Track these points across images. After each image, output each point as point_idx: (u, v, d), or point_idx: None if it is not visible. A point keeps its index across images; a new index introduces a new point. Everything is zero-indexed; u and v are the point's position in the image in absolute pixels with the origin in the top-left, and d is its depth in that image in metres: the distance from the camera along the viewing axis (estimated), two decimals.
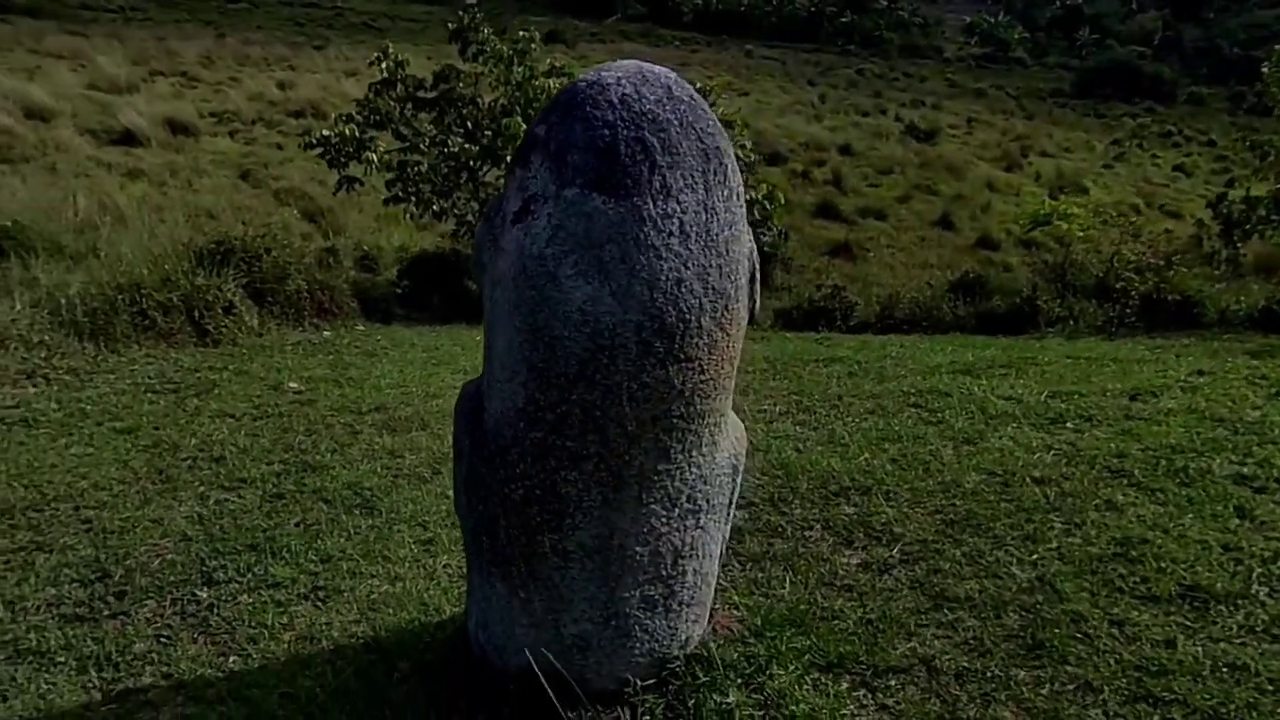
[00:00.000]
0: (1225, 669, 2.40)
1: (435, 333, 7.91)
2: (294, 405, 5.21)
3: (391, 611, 2.92)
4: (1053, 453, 3.77)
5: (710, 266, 1.97)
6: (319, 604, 3.01)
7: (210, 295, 6.81)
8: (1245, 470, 3.53)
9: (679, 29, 47.27)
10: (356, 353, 6.83)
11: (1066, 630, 2.57)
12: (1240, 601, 2.70)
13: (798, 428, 4.33)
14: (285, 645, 2.79)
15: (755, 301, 2.16)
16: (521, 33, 9.90)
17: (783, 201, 9.82)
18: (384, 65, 9.85)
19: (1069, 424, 4.12)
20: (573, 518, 2.11)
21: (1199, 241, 12.68)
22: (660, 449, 2.07)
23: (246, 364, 6.09)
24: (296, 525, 3.57)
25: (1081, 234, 10.28)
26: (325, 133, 9.54)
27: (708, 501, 2.23)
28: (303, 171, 12.68)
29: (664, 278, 1.92)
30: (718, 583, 2.82)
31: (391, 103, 9.99)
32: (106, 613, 3.06)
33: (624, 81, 1.95)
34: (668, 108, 1.93)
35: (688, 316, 1.96)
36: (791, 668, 2.37)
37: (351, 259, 9.72)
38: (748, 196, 9.38)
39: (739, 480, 2.34)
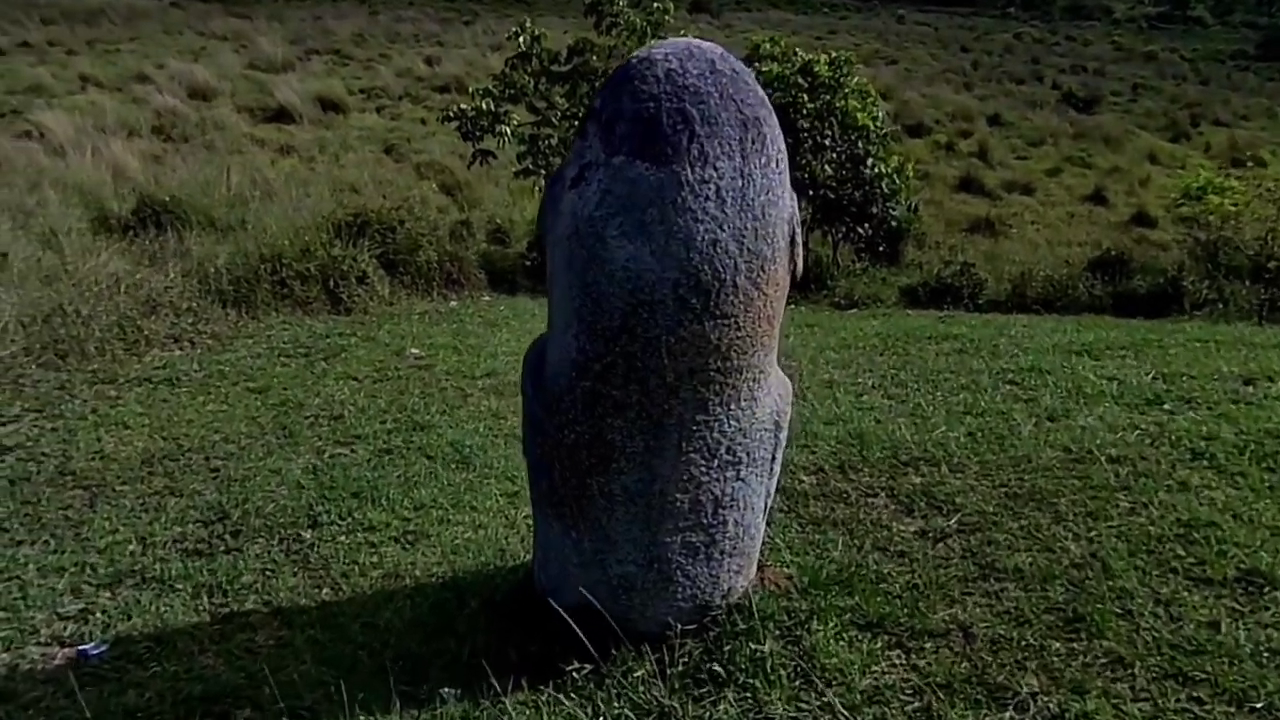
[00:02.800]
0: (1266, 654, 2.39)
1: None
2: (413, 370, 5.61)
3: (471, 555, 3.21)
4: (1137, 432, 3.73)
5: (746, 229, 2.12)
6: (407, 546, 3.33)
7: (345, 266, 7.35)
8: None
9: None
10: (479, 322, 7.23)
11: (1109, 606, 2.61)
12: None
13: (885, 400, 4.41)
14: (373, 581, 3.11)
15: (796, 264, 2.30)
16: (656, 4, 10.08)
17: (911, 175, 9.69)
18: (520, 39, 10.23)
19: (1165, 405, 4.05)
20: (618, 463, 2.31)
21: None
22: (698, 400, 2.25)
23: (374, 331, 6.57)
24: (398, 477, 3.91)
25: (1234, 209, 9.68)
26: (462, 107, 10.01)
27: (748, 454, 2.39)
28: (443, 146, 13.31)
29: (700, 238, 2.09)
30: (772, 541, 2.97)
31: (526, 76, 10.37)
32: (222, 549, 3.46)
33: (671, 57, 2.13)
34: (709, 81, 2.09)
35: (723, 275, 2.12)
36: (831, 624, 2.51)
37: (484, 231, 10.20)
38: (877, 170, 9.41)
39: (783, 436, 2.49)
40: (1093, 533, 3.00)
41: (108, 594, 3.27)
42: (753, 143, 2.11)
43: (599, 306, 2.16)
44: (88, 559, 3.46)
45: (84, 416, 4.87)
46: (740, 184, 2.10)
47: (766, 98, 2.18)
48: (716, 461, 2.35)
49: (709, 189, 2.08)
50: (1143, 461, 3.49)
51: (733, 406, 2.30)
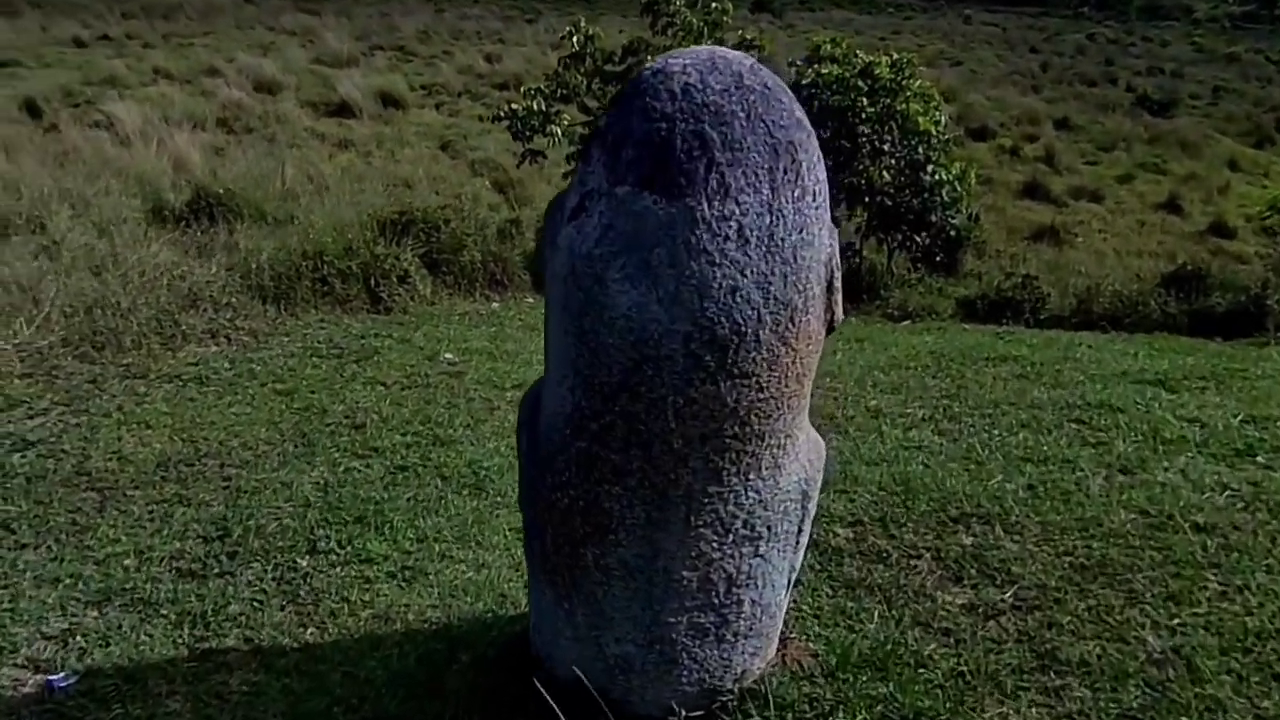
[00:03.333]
0: None
1: None
2: (443, 377, 5.33)
3: (469, 599, 2.90)
4: (1227, 494, 3.24)
5: (773, 274, 1.75)
6: (403, 584, 3.03)
7: (387, 264, 7.10)
8: None
9: None
10: (519, 325, 6.93)
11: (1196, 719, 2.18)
12: None
13: (936, 437, 3.97)
14: (362, 623, 2.82)
15: (835, 313, 1.92)
16: (714, 3, 9.68)
17: (974, 182, 9.15)
18: (574, 39, 9.91)
19: (1259, 458, 3.54)
20: (615, 534, 1.96)
21: None
22: (711, 470, 1.89)
23: (410, 333, 6.30)
24: (408, 500, 3.62)
25: None
26: (512, 107, 9.73)
27: (769, 529, 2.03)
28: (498, 143, 13.05)
29: (717, 285, 1.72)
30: (799, 607, 2.60)
31: (579, 76, 10.05)
32: (216, 571, 3.22)
33: (689, 69, 1.76)
34: (734, 98, 1.72)
35: (743, 328, 1.76)
36: (859, 718, 2.14)
37: (533, 230, 9.91)
38: (938, 177, 8.88)
39: (812, 506, 2.12)
40: (1175, 621, 2.56)
41: (94, 613, 3.07)
42: (785, 172, 1.74)
43: (597, 358, 1.82)
44: (84, 570, 3.27)
45: (109, 413, 4.68)
46: (768, 221, 1.73)
47: (805, 118, 1.81)
48: (731, 537, 1.99)
49: (729, 227, 1.71)
50: (1235, 532, 3.01)
51: (751, 476, 1.94)
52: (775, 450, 1.94)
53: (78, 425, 4.54)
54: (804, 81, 8.82)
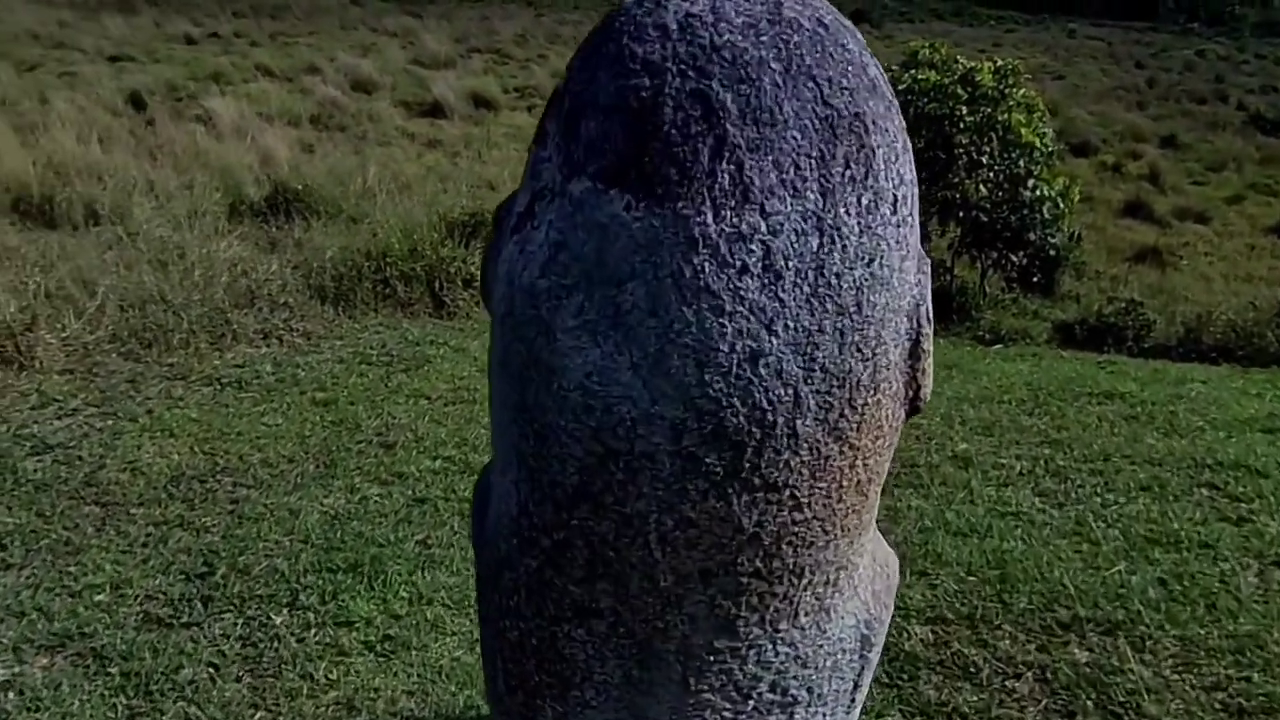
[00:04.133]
0: None
1: None
2: None
3: (453, 688, 2.25)
4: None
5: (822, 329, 1.02)
6: (380, 658, 2.40)
7: (452, 267, 6.55)
8: None
9: (996, 6, 43.10)
10: None
11: None
12: None
13: (1038, 500, 3.13)
14: (322, 709, 2.19)
15: (921, 387, 1.18)
16: None
17: (1077, 199, 8.11)
18: None
19: None
20: (580, 690, 1.26)
21: None
22: (718, 619, 1.17)
23: (467, 341, 5.71)
24: (415, 544, 3.00)
25: None
26: None
27: (809, 691, 1.30)
28: None
29: (726, 347, 1.00)
30: None
31: None
32: (184, 619, 2.69)
33: None
34: (766, 39, 0.99)
35: (770, 416, 1.03)
36: None
37: None
38: (1039, 192, 7.87)
39: (874, 654, 1.38)
40: None
41: (44, 661, 2.57)
42: (847, 165, 1.01)
43: (544, 446, 1.12)
44: (53, 605, 2.79)
45: (136, 418, 4.22)
46: (815, 244, 1.00)
47: (883, 79, 1.08)
48: (752, 703, 1.27)
49: (749, 252, 0.99)
50: None
51: (784, 626, 1.21)
52: (821, 589, 1.21)
53: (101, 430, 4.08)
54: (899, 87, 7.95)
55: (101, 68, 11.38)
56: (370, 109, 11.08)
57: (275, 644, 2.51)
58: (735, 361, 1.01)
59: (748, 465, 1.06)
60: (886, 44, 21.86)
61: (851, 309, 1.03)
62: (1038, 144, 7.76)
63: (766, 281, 0.99)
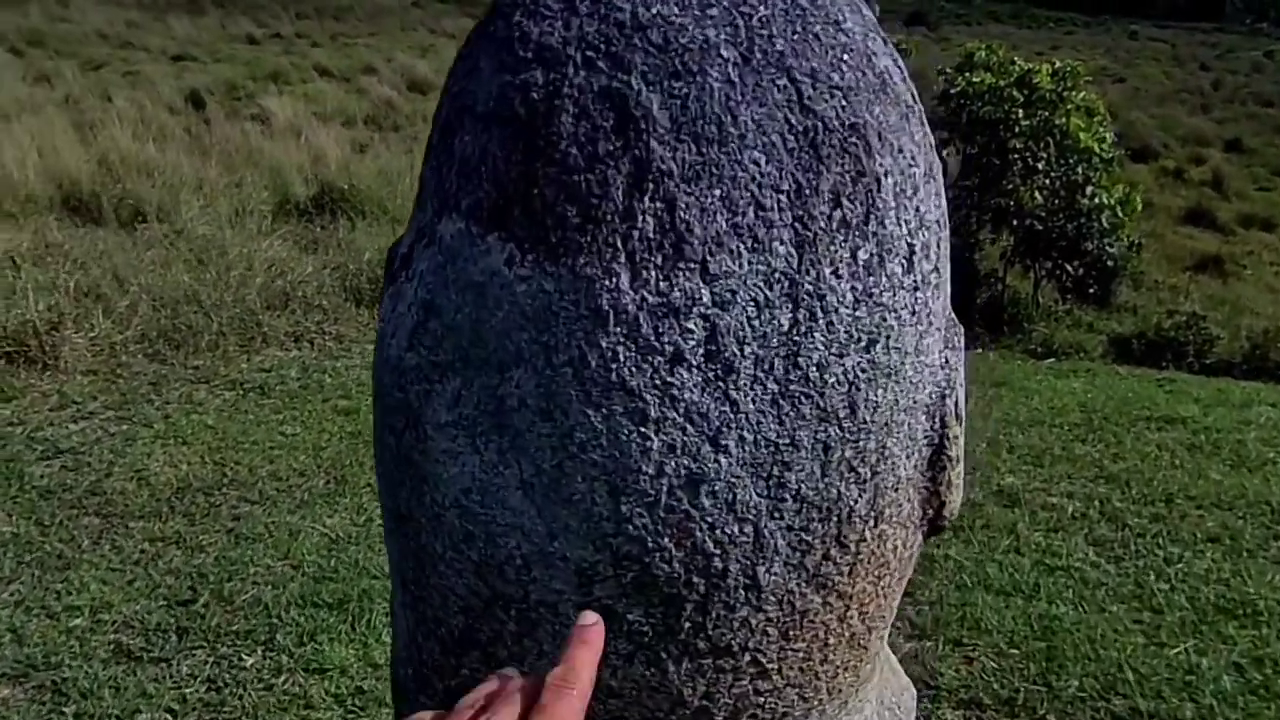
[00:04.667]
0: None
1: None
2: None
3: None
4: None
5: (796, 444, 0.68)
6: (347, 715, 2.11)
7: None
8: None
9: (1055, 8, 41.50)
10: None
11: None
12: None
13: (1091, 552, 2.70)
14: None
15: (945, 503, 0.83)
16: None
17: (1138, 209, 7.53)
18: None
19: None
20: None
21: None
22: None
23: None
24: None
25: None
26: None
27: None
28: None
29: (651, 467, 0.66)
30: None
31: None
32: (155, 653, 2.47)
33: None
34: (715, 13, 0.64)
35: (718, 563, 0.69)
36: None
37: None
38: (1097, 200, 7.31)
39: None
40: None
41: (4, 692, 2.35)
42: (837, 201, 0.65)
43: (423, 573, 0.79)
44: (29, 626, 2.59)
45: (151, 424, 4.02)
46: (787, 321, 0.65)
47: (897, 69, 0.72)
48: None
49: (686, 332, 0.64)
50: None
51: None
52: None
53: (114, 435, 3.89)
54: (953, 90, 7.46)
55: (164, 67, 11.39)
56: (424, 110, 10.87)
57: (240, 690, 2.24)
58: (666, 488, 0.67)
59: (688, 626, 0.71)
60: (943, 46, 21.07)
61: (841, 413, 0.68)
62: (1097, 149, 7.22)
63: (712, 375, 0.65)
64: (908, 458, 0.75)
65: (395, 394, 0.76)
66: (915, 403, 0.74)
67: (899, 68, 0.73)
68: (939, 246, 0.74)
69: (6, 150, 6.41)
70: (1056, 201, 7.02)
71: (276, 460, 3.70)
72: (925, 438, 0.77)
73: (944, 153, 7.53)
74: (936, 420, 0.77)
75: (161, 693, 2.27)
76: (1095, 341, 7.19)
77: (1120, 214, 7.31)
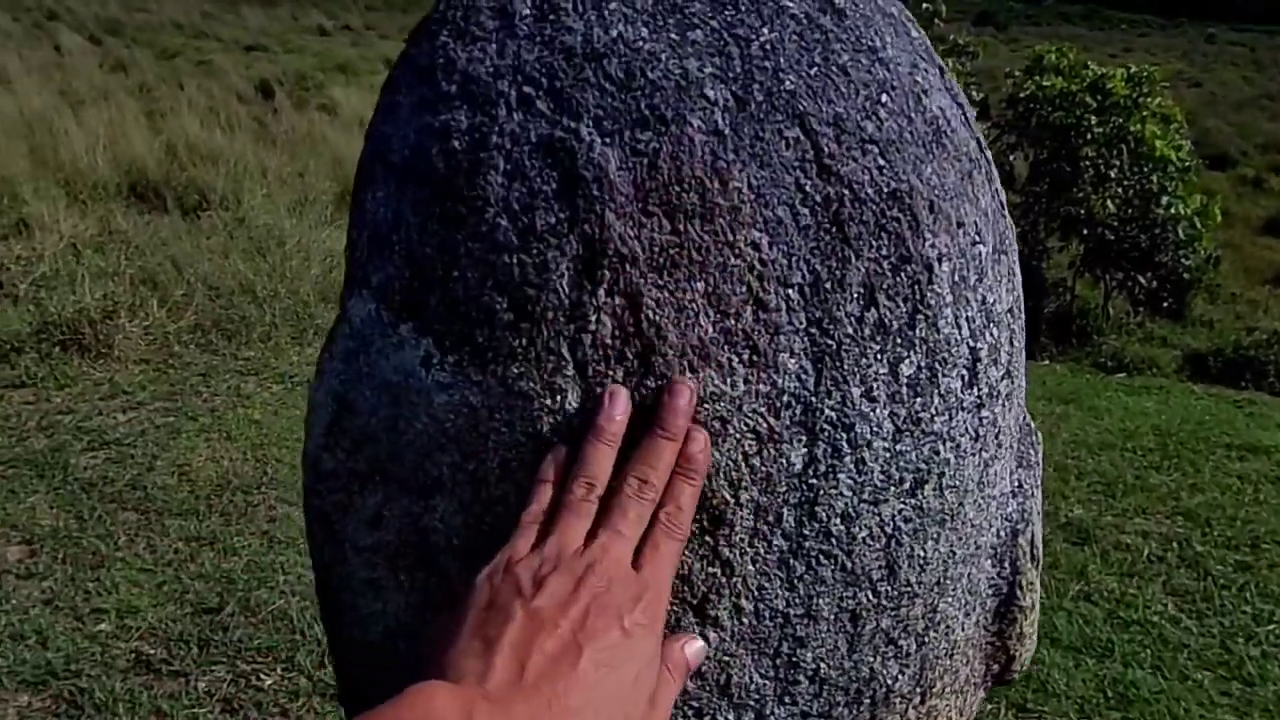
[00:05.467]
0: None
1: None
2: None
3: None
4: None
5: (813, 615, 0.49)
6: None
7: None
8: None
9: (1129, 10, 39.80)
10: None
11: None
12: None
13: (1171, 602, 2.43)
14: None
15: (1014, 659, 0.63)
16: (925, 5, 8.06)
17: (1217, 220, 7.07)
18: None
19: None
20: None
21: None
22: None
23: None
24: None
25: None
26: None
27: None
28: None
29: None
30: None
31: None
32: (175, 667, 2.38)
33: None
34: (699, 37, 0.44)
35: None
36: None
37: None
38: (1173, 210, 6.89)
39: None
40: None
41: (23, 699, 2.28)
42: (870, 297, 0.46)
43: (353, 708, 0.64)
44: (56, 627, 2.51)
45: (198, 416, 3.97)
46: (801, 460, 0.46)
47: (957, 109, 0.53)
48: None
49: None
50: None
51: None
52: None
53: (159, 428, 3.84)
54: (1022, 94, 7.09)
55: (237, 56, 11.53)
56: None
57: (256, 713, 2.13)
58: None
59: None
60: (1012, 48, 20.33)
61: (875, 575, 0.49)
62: (1173, 158, 6.78)
63: (694, 528, 0.46)
64: (966, 615, 0.56)
65: (313, 500, 0.60)
66: (978, 548, 0.55)
67: (959, 107, 0.54)
68: (1012, 343, 0.55)
69: (79, 138, 6.49)
70: (1130, 211, 6.61)
71: None
72: (990, 587, 0.58)
73: (1012, 157, 7.15)
74: (1006, 565, 0.58)
75: (176, 711, 2.17)
76: (1169, 357, 6.77)
77: (1198, 225, 6.86)
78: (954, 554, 0.53)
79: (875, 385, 0.46)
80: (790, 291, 0.44)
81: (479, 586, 0.42)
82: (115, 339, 4.39)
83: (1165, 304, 7.19)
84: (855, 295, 0.45)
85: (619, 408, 0.44)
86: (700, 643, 0.46)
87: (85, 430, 3.76)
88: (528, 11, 0.45)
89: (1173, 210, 6.63)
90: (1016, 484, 0.59)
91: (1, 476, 3.40)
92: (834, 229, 0.44)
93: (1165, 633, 2.29)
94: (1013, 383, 0.56)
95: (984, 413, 0.52)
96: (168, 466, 3.53)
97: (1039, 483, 0.62)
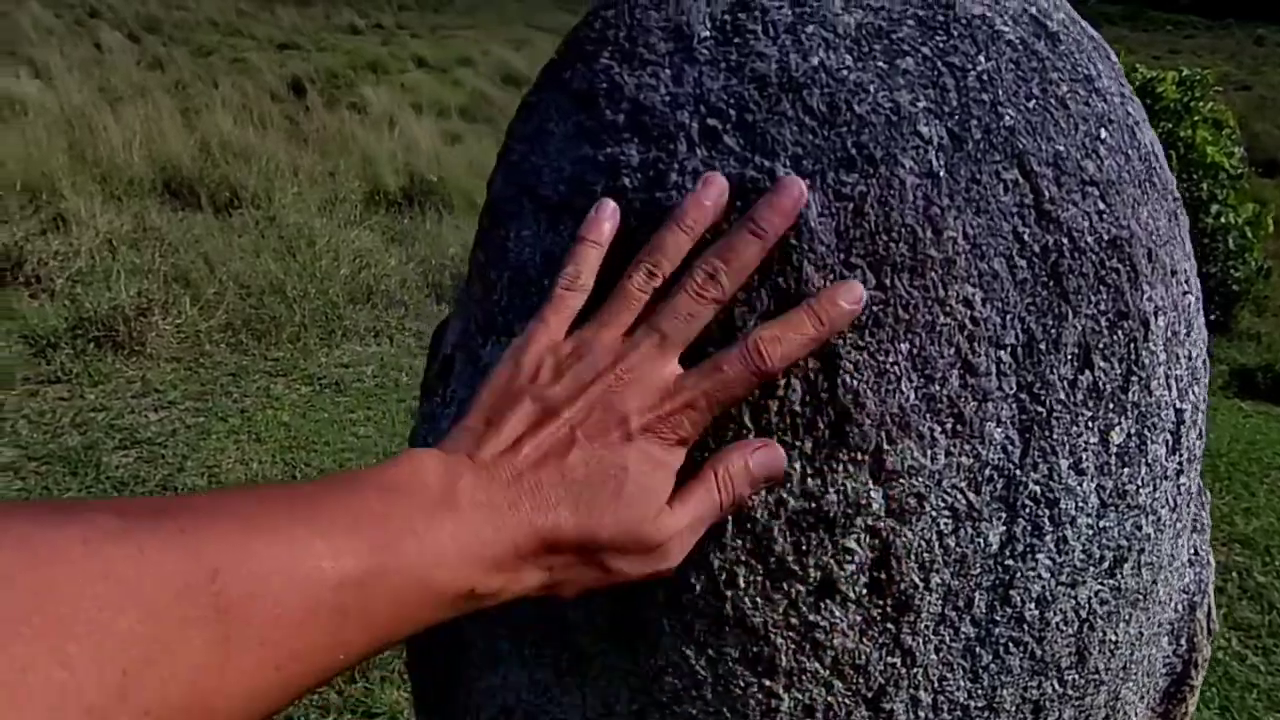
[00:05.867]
0: None
1: None
2: None
3: None
4: None
5: (993, 706, 0.45)
6: None
7: None
8: None
9: (1173, 11, 39.18)
10: None
11: None
12: None
13: (1235, 638, 2.36)
14: None
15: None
16: None
17: (1270, 230, 6.91)
18: None
19: None
20: None
21: None
22: None
23: None
24: None
25: None
26: None
27: None
28: None
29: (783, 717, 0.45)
30: None
31: None
32: None
33: None
34: (910, 66, 0.41)
35: None
36: None
37: None
38: (1223, 220, 6.74)
39: None
40: None
41: None
42: (1086, 358, 0.41)
43: None
44: None
45: (228, 417, 3.98)
46: (997, 539, 0.42)
47: (1157, 148, 0.48)
48: None
49: (846, 550, 0.43)
50: None
51: None
52: None
53: (190, 428, 3.85)
54: None
55: (270, 54, 11.62)
56: (517, 104, 10.80)
57: None
58: None
59: None
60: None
61: (1064, 663, 0.45)
62: (1225, 165, 6.63)
63: (877, 614, 0.42)
64: (1141, 699, 0.52)
65: None
66: (1159, 627, 0.50)
67: (1154, 141, 0.49)
68: (1204, 401, 0.50)
69: (116, 134, 6.54)
70: None
71: (346, 464, 3.60)
72: (1165, 666, 0.53)
73: None
74: (1182, 642, 0.53)
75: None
76: (1215, 372, 6.63)
77: (1249, 235, 6.71)
78: (1141, 635, 0.48)
79: (1084, 456, 0.42)
80: (1002, 353, 0.39)
81: (503, 363, 0.41)
82: (148, 336, 4.41)
83: (1212, 317, 7.03)
84: (1070, 356, 0.40)
85: (712, 193, 0.39)
86: (776, 451, 0.40)
87: (117, 428, 3.78)
88: (708, 34, 0.41)
89: (1223, 220, 6.49)
90: (1193, 551, 0.54)
91: (35, 473, 3.41)
92: (1051, 282, 0.40)
93: (1231, 671, 2.22)
94: (1204, 442, 0.51)
95: (1183, 479, 0.47)
96: (197, 467, 3.53)
97: (1210, 552, 0.57)
